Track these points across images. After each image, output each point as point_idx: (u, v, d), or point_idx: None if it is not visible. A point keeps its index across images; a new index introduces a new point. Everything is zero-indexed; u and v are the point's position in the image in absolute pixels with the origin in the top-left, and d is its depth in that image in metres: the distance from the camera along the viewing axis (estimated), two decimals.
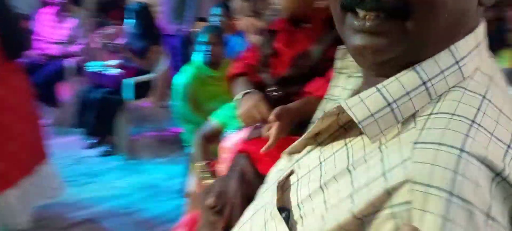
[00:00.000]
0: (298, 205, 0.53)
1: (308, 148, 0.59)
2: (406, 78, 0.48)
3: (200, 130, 1.89)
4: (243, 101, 0.84)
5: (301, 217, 0.51)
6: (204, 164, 1.72)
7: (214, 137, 1.93)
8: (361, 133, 0.50)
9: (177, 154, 3.40)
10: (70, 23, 3.95)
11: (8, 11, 2.27)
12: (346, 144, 0.53)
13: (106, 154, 3.48)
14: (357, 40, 0.50)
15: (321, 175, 0.52)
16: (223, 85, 2.57)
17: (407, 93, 0.47)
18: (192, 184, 2.10)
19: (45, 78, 3.70)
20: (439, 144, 0.42)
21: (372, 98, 0.48)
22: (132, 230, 2.53)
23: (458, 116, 0.45)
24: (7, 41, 2.19)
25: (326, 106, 0.66)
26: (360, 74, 0.61)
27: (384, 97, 0.48)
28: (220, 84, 2.62)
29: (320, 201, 0.50)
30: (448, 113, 0.45)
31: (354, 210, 0.45)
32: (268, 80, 0.89)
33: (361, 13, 0.49)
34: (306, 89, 0.83)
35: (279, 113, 0.76)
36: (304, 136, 0.58)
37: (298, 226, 0.51)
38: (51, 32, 3.97)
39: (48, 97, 3.80)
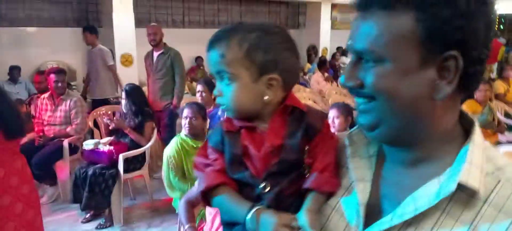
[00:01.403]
0: None
1: None
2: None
3: (185, 195, 2.09)
4: (259, 218, 0.75)
5: None
6: (189, 226, 1.90)
7: (198, 201, 2.18)
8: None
9: (170, 222, 3.61)
10: (65, 106, 4.23)
11: (4, 95, 2.44)
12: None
13: (102, 226, 3.64)
14: (356, 117, 0.70)
15: None
16: None
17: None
18: None
19: (44, 158, 3.93)
20: None
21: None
22: None
23: None
24: (6, 124, 2.31)
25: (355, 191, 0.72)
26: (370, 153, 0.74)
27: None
28: None
29: None
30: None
31: None
32: (251, 180, 0.79)
33: (354, 98, 0.69)
34: (312, 184, 0.78)
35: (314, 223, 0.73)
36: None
37: None
38: (48, 115, 4.25)
39: (47, 176, 4.04)
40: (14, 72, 6.42)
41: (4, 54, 6.78)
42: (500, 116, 4.81)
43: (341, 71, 9.34)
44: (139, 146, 3.86)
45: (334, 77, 8.01)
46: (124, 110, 3.95)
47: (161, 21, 8.00)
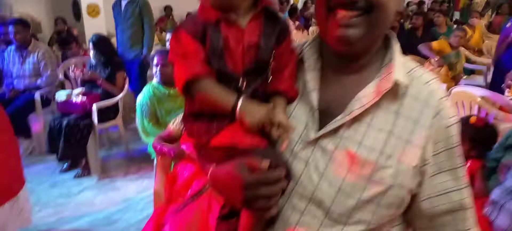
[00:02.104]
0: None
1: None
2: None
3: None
4: (247, 108, 0.79)
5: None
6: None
7: (170, 138, 2.33)
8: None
9: (146, 170, 3.72)
10: (33, 58, 4.18)
11: None
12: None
13: (80, 176, 3.73)
14: (339, 32, 0.76)
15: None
16: (178, 101, 2.96)
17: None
18: (157, 182, 2.43)
19: (16, 111, 3.92)
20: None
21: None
22: None
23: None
24: None
25: (309, 99, 0.84)
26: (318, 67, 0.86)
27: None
28: (175, 100, 3.00)
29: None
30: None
31: None
32: (230, 74, 0.81)
33: (341, 13, 0.75)
34: (283, 88, 0.85)
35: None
36: (344, 117, 0.79)
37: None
38: (17, 67, 4.20)
39: (21, 129, 4.02)
40: None
41: None
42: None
43: (313, 20, 9.38)
44: (112, 96, 3.89)
45: (305, 26, 8.03)
46: (94, 62, 3.93)
47: None
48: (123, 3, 4.68)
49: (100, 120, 3.76)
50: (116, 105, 3.96)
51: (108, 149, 4.29)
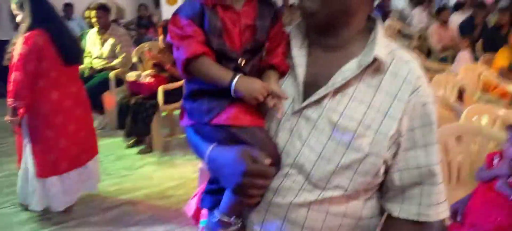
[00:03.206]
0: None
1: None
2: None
3: None
4: (244, 83, 0.85)
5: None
6: None
7: None
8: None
9: None
10: (111, 41, 4.54)
11: (64, 26, 2.79)
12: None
13: (144, 152, 4.02)
14: (300, 4, 0.87)
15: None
16: None
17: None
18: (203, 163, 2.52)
19: (93, 89, 4.25)
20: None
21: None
22: (164, 212, 3.00)
23: None
24: (66, 51, 2.66)
25: (295, 74, 0.90)
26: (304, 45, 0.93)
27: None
28: None
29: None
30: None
31: None
32: (229, 54, 0.86)
33: None
34: (273, 61, 0.91)
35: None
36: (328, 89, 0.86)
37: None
38: (96, 49, 4.59)
39: (96, 105, 4.39)
40: (67, 9, 6.87)
41: None
42: None
43: (391, 15, 9.01)
44: (179, 80, 4.07)
45: (382, 21, 7.73)
46: (163, 46, 4.15)
47: None
48: None
49: (165, 102, 3.96)
50: (180, 88, 4.15)
51: (171, 129, 4.53)
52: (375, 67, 0.87)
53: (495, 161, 1.94)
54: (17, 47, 2.55)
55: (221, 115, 0.87)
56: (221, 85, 0.86)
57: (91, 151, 2.98)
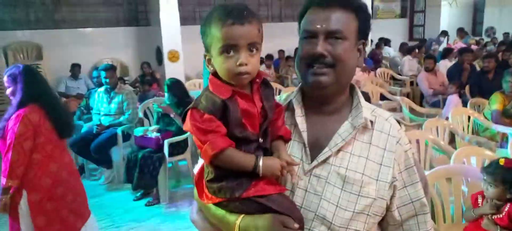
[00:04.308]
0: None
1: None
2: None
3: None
4: (266, 166, 0.97)
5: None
6: None
7: None
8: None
9: None
10: (118, 98, 4.76)
11: (59, 102, 2.80)
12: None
13: (151, 204, 4.15)
14: (314, 78, 1.03)
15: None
16: None
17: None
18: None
19: (101, 144, 4.49)
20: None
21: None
22: None
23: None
24: (61, 126, 2.67)
25: (300, 138, 1.07)
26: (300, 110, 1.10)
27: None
28: None
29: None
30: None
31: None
32: (252, 137, 0.99)
33: (315, 66, 1.02)
34: (282, 133, 1.06)
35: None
36: (328, 151, 1.03)
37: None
38: (104, 106, 4.81)
39: (104, 160, 4.61)
40: (75, 69, 7.18)
41: (66, 53, 7.55)
42: None
43: (384, 62, 9.38)
44: (183, 133, 4.28)
45: (374, 68, 8.03)
46: (168, 102, 4.39)
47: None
48: None
49: (171, 154, 4.17)
50: (185, 141, 4.36)
51: (176, 181, 4.69)
52: (364, 127, 1.07)
53: (479, 200, 2.12)
54: (10, 123, 2.51)
55: (250, 189, 1.00)
56: (247, 170, 0.98)
57: (84, 216, 2.92)
